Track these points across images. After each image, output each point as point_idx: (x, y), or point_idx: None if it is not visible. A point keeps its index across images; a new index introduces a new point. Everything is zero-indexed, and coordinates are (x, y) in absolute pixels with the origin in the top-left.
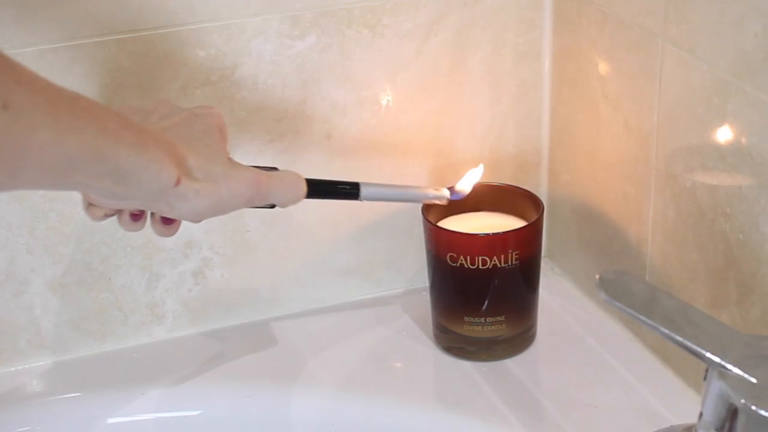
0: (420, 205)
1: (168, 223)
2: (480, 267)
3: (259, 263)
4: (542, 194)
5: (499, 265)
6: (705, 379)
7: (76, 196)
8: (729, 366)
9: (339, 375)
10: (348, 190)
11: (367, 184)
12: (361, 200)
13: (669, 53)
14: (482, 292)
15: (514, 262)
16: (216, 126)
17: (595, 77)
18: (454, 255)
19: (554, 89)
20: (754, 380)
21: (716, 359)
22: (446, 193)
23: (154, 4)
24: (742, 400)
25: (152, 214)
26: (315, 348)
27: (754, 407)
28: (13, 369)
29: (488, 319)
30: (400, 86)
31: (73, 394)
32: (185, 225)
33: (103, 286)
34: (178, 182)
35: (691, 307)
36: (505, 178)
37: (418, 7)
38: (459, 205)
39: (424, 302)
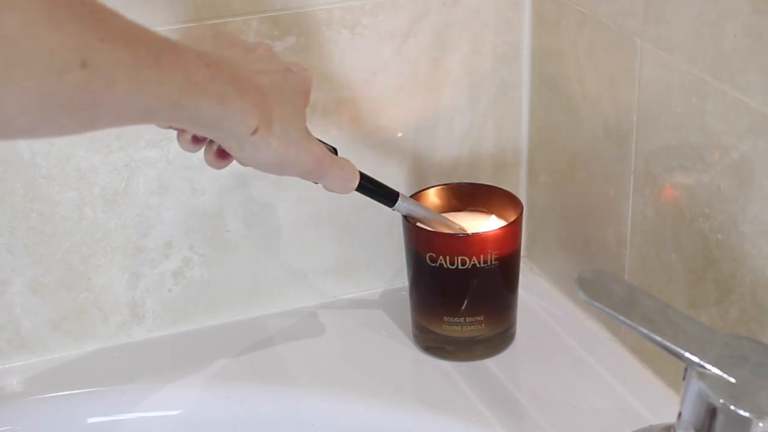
0: None
1: (223, 157)
2: (459, 267)
3: (238, 263)
4: (521, 194)
5: (478, 265)
6: (684, 378)
7: (57, 197)
8: (708, 366)
9: (318, 375)
10: (387, 196)
11: (405, 197)
12: (393, 209)
13: (648, 54)
14: (461, 291)
15: (493, 262)
16: (305, 90)
17: (574, 78)
18: (434, 255)
19: (534, 90)
20: (732, 380)
21: (695, 359)
22: (468, 231)
23: (136, 5)
24: (721, 400)
25: (210, 142)
26: (294, 348)
27: (732, 407)
28: None
29: (467, 319)
30: (379, 87)
31: (53, 394)
32: (165, 226)
33: (83, 285)
34: (255, 131)
35: (670, 307)
36: (484, 178)
37: (398, 8)
38: (438, 206)
39: (404, 302)
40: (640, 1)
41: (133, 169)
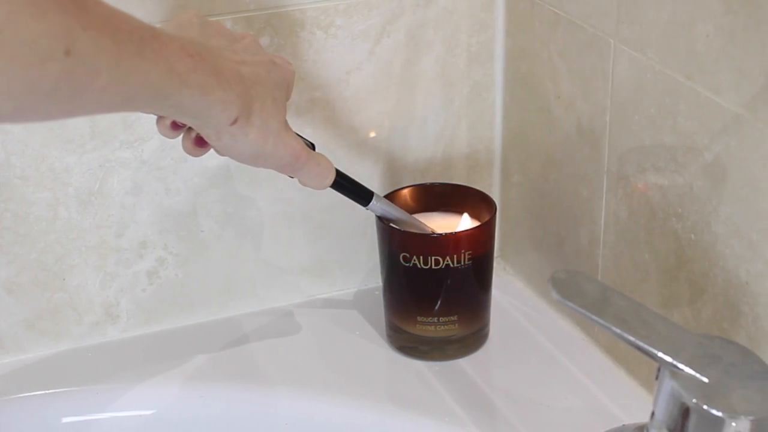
0: None
1: (201, 145)
2: (433, 267)
3: (212, 263)
4: (495, 194)
5: (451, 265)
6: (657, 378)
7: (31, 197)
8: (681, 365)
9: (292, 375)
10: (361, 195)
11: (379, 197)
12: (367, 209)
13: (621, 54)
14: (435, 292)
15: (466, 262)
16: (287, 83)
17: (547, 78)
18: (407, 255)
19: (507, 90)
20: (705, 380)
21: (668, 359)
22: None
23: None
24: (694, 400)
25: (188, 130)
26: (268, 348)
27: (705, 407)
28: None
29: (441, 319)
30: (353, 87)
31: (27, 394)
32: (139, 226)
33: (58, 285)
34: (235, 122)
35: (643, 307)
36: (457, 178)
37: (371, 8)
38: (412, 206)
39: (377, 302)
40: (613, 2)
41: (108, 170)
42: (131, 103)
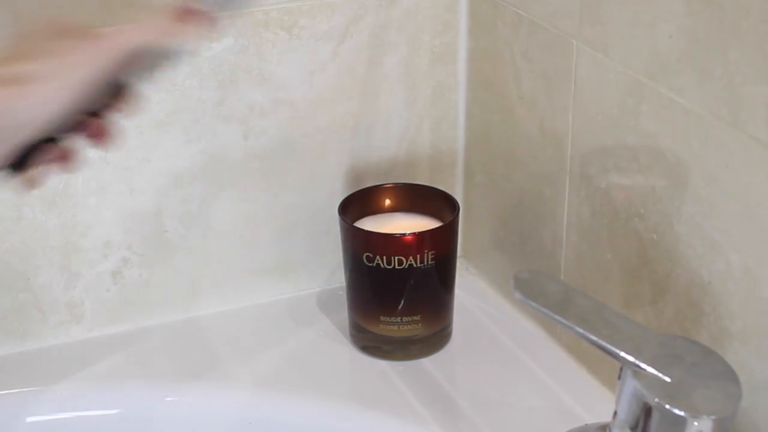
0: (337, 206)
1: None
2: (396, 267)
3: (176, 263)
4: (458, 195)
5: (414, 265)
6: (619, 378)
7: None
8: (643, 365)
9: (256, 374)
10: None
11: None
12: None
13: (584, 55)
14: (398, 291)
15: (429, 262)
16: None
17: (510, 78)
18: (371, 255)
19: (470, 90)
20: (667, 379)
21: (630, 358)
22: None
23: (72, 5)
24: (656, 399)
25: None
26: (232, 347)
27: (667, 406)
28: None
29: (404, 319)
30: (316, 87)
31: None
32: (103, 226)
33: (23, 285)
34: None
35: (606, 307)
36: (420, 178)
37: (335, 9)
38: (375, 206)
39: (341, 302)
40: (575, 3)
41: None
42: None
